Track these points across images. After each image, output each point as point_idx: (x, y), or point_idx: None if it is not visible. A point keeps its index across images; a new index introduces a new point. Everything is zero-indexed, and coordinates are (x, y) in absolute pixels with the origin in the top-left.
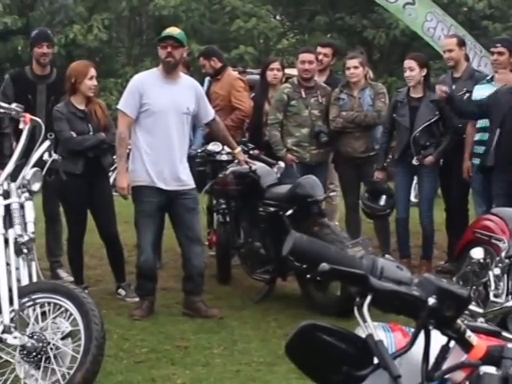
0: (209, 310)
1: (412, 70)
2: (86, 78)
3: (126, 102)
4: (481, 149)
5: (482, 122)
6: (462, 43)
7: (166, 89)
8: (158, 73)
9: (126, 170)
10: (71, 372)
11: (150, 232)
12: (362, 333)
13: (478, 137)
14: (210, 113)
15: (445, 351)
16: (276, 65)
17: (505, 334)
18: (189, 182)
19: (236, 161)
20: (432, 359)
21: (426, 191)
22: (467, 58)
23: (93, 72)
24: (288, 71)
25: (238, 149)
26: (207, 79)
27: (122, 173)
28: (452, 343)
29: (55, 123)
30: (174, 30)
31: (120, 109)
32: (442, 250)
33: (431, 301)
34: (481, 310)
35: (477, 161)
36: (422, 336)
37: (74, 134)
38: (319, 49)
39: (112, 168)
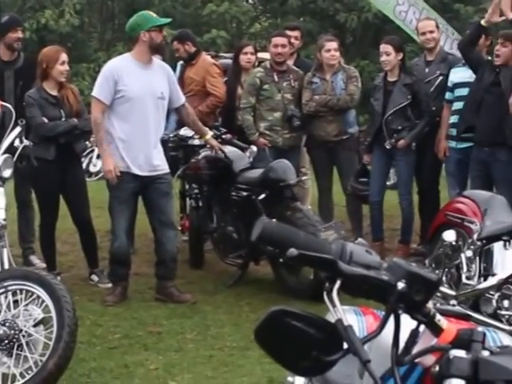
0: (181, 295)
1: (388, 55)
2: (58, 63)
3: (100, 89)
4: (456, 131)
5: (458, 105)
6: (437, 26)
7: (141, 74)
8: (132, 58)
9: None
10: (44, 359)
11: (124, 218)
12: (332, 318)
13: (452, 119)
14: (180, 98)
15: (414, 335)
16: (249, 49)
17: (476, 316)
18: (163, 166)
19: (208, 145)
20: (402, 343)
21: (402, 174)
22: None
23: (64, 57)
24: (261, 55)
25: (209, 134)
26: (180, 64)
27: (106, 156)
28: (422, 327)
29: (27, 109)
30: (154, 15)
31: (95, 96)
32: (415, 232)
33: (400, 285)
34: (453, 293)
35: (451, 143)
36: (391, 320)
37: (46, 120)
38: (288, 32)
39: (85, 154)
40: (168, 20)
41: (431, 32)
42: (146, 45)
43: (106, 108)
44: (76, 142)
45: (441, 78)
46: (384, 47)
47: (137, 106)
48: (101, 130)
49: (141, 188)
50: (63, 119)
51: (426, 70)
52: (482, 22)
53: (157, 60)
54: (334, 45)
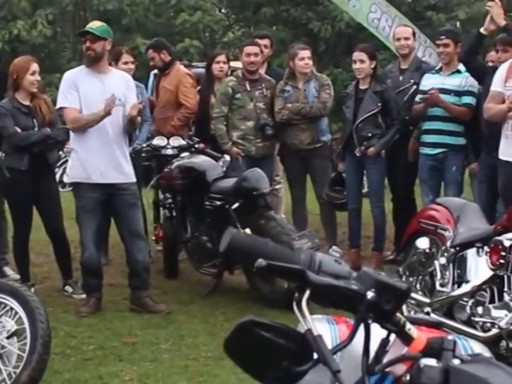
0: (156, 305)
1: (362, 62)
2: (28, 73)
3: (65, 98)
4: (428, 137)
5: (431, 111)
6: (414, 34)
7: (96, 82)
8: (85, 67)
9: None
10: (17, 371)
11: (91, 227)
12: (302, 328)
13: (425, 126)
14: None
15: (385, 344)
16: (222, 58)
17: (450, 323)
18: (127, 175)
19: (182, 154)
20: (372, 353)
21: (373, 182)
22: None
23: (35, 67)
24: (233, 64)
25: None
26: (153, 73)
27: (94, 114)
28: (392, 336)
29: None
30: (93, 25)
31: (62, 106)
32: (390, 240)
33: (370, 294)
34: (427, 300)
35: (424, 150)
36: (361, 330)
37: (19, 130)
38: (258, 41)
39: (58, 164)
40: (83, 29)
41: (406, 39)
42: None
43: (77, 111)
44: (49, 152)
45: (415, 86)
46: (358, 55)
47: (92, 111)
48: (82, 123)
49: (106, 197)
50: (36, 129)
51: (400, 78)
52: (482, 30)
53: (115, 69)
54: (307, 53)
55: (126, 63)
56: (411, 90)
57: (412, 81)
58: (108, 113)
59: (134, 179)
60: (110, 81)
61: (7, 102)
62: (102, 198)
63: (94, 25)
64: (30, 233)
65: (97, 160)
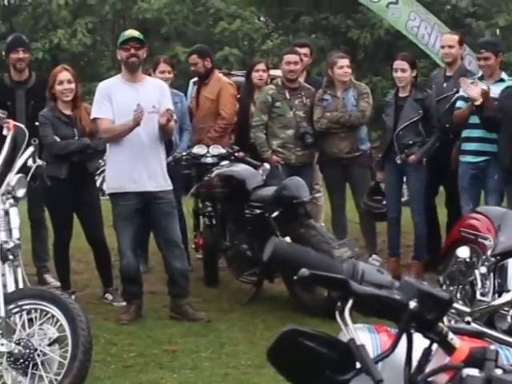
0: (196, 313)
1: (404, 71)
2: (56, 83)
3: (98, 109)
4: (469, 145)
5: (473, 118)
6: (462, 42)
7: (130, 91)
8: (121, 77)
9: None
10: (59, 378)
11: (129, 235)
12: (344, 337)
13: (465, 133)
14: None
15: (427, 354)
16: (261, 66)
17: (490, 333)
18: (162, 183)
19: (222, 163)
20: (415, 362)
21: (413, 190)
22: (462, 58)
23: (62, 76)
24: (272, 72)
25: None
26: (192, 82)
27: (126, 125)
28: (434, 346)
29: (40, 128)
30: (133, 32)
31: (96, 117)
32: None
33: (412, 304)
34: (467, 309)
35: (465, 158)
36: (404, 339)
37: (58, 139)
38: (297, 49)
39: (98, 172)
40: (129, 35)
41: (450, 47)
42: (122, 62)
43: (110, 122)
44: (89, 161)
45: (457, 95)
46: (399, 64)
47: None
48: (115, 134)
49: (143, 205)
50: (76, 138)
51: (444, 84)
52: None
53: (149, 77)
54: (346, 61)
55: (162, 72)
56: (453, 98)
57: (455, 89)
58: (137, 123)
59: (169, 187)
60: (144, 89)
61: (48, 111)
62: (138, 206)
63: (134, 33)
64: (71, 240)
65: (131, 169)
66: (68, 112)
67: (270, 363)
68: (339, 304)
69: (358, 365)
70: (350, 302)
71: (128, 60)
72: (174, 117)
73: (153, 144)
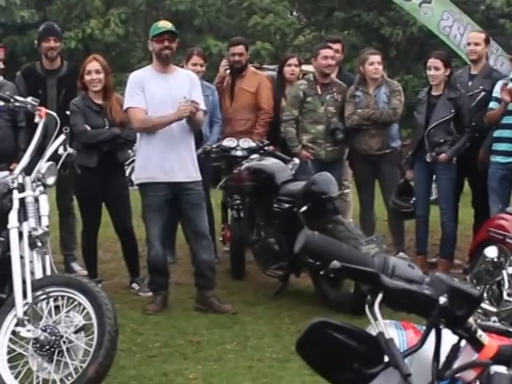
0: (222, 305)
1: (437, 70)
2: (84, 73)
3: (132, 99)
4: (500, 146)
5: (506, 118)
6: (488, 40)
7: (161, 81)
8: (153, 68)
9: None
10: (84, 366)
11: (157, 226)
12: (373, 331)
13: (497, 133)
14: (200, 106)
15: (455, 350)
16: (293, 61)
17: None
18: (194, 174)
19: (251, 156)
20: (443, 358)
21: (442, 189)
22: (487, 57)
23: (90, 66)
24: (304, 68)
25: None
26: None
27: (168, 116)
28: (463, 342)
29: (70, 116)
30: (167, 24)
31: (129, 107)
32: (458, 248)
33: (442, 300)
34: (494, 309)
35: (495, 158)
36: (432, 335)
37: (89, 128)
38: (330, 45)
39: (127, 162)
40: (163, 28)
41: (476, 44)
42: (154, 54)
43: (144, 112)
44: (119, 151)
45: (483, 93)
46: (433, 62)
47: (159, 112)
48: (150, 125)
49: (172, 196)
50: (106, 128)
51: (470, 83)
52: None
53: (180, 68)
54: (377, 58)
55: (194, 64)
56: (479, 96)
57: (481, 87)
58: (180, 118)
59: (199, 179)
60: (175, 80)
61: (79, 100)
62: (167, 197)
63: (168, 24)
64: (99, 230)
65: (161, 159)
66: (99, 101)
67: (299, 354)
68: (369, 298)
69: (387, 359)
70: (380, 296)
71: (161, 52)
72: (203, 107)
73: (184, 135)
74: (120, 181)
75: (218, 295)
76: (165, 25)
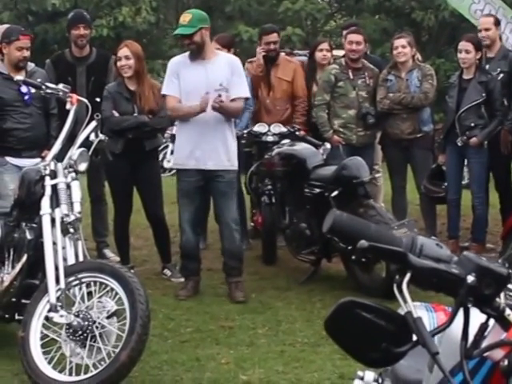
0: (232, 293)
1: (468, 53)
2: (117, 59)
3: (167, 86)
4: None
5: None
6: (498, 23)
7: (197, 67)
8: (191, 54)
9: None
10: (116, 351)
11: (189, 211)
12: (402, 311)
13: None
14: (238, 92)
15: (484, 329)
16: (325, 46)
17: None
18: (225, 162)
19: (282, 141)
20: (471, 337)
21: (474, 172)
22: (500, 38)
23: (121, 53)
24: (335, 53)
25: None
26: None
27: (193, 107)
28: (491, 321)
29: (102, 102)
30: (182, 21)
31: (164, 94)
32: (489, 232)
33: (470, 278)
34: None
35: None
36: (461, 314)
37: (117, 114)
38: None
39: (160, 149)
40: (175, 34)
41: (486, 30)
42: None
43: (176, 100)
44: (146, 139)
45: (501, 75)
46: (464, 45)
47: (192, 99)
48: (180, 114)
49: (204, 182)
50: (135, 115)
51: (487, 66)
52: None
53: (223, 53)
54: (401, 42)
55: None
56: (498, 78)
57: (499, 69)
58: (203, 109)
59: (232, 167)
60: (212, 67)
61: (113, 86)
62: (199, 184)
63: (184, 20)
64: (130, 216)
65: (193, 146)
66: (132, 88)
67: (327, 333)
68: (397, 277)
69: (415, 338)
70: (408, 276)
71: (188, 47)
72: (244, 93)
73: (217, 122)
74: (150, 168)
75: (249, 281)
76: (181, 21)
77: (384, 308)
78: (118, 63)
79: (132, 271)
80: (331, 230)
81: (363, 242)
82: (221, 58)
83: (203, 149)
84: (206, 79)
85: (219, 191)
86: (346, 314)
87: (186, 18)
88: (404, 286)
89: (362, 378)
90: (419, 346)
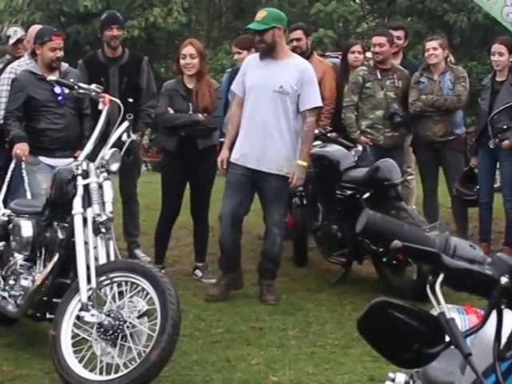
0: (263, 296)
1: (501, 55)
2: (180, 57)
3: (235, 82)
4: None
5: None
6: None
7: (262, 67)
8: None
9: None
10: (147, 350)
11: (232, 204)
12: (435, 312)
13: None
14: (305, 103)
15: None
16: (357, 47)
17: None
18: (272, 166)
19: (314, 143)
20: (504, 339)
21: (506, 175)
22: None
23: (186, 51)
24: (369, 54)
25: (302, 163)
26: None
27: (224, 148)
28: None
29: (159, 98)
30: (257, 17)
31: (231, 89)
32: None
33: (504, 280)
34: None
35: None
36: (494, 315)
37: (171, 111)
38: (392, 32)
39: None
40: (246, 26)
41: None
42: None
43: (241, 100)
44: (200, 138)
45: None
46: (497, 47)
47: (250, 97)
48: (231, 124)
49: (252, 180)
50: (189, 113)
51: None
52: None
53: (297, 57)
54: (432, 44)
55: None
56: None
57: None
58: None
59: (281, 173)
60: (279, 68)
61: (171, 83)
62: (245, 179)
63: (259, 16)
64: (176, 217)
65: (246, 142)
66: (191, 86)
67: (359, 333)
68: (430, 278)
69: (447, 339)
70: (441, 276)
71: (259, 44)
72: (313, 103)
73: (275, 123)
74: (203, 167)
75: (280, 282)
76: (256, 17)
77: (417, 308)
78: (182, 61)
79: (163, 271)
80: (365, 230)
81: (397, 242)
82: (293, 62)
83: (256, 146)
84: (265, 79)
85: (265, 196)
86: (379, 314)
87: (261, 14)
88: (437, 287)
89: (393, 380)
90: (451, 347)
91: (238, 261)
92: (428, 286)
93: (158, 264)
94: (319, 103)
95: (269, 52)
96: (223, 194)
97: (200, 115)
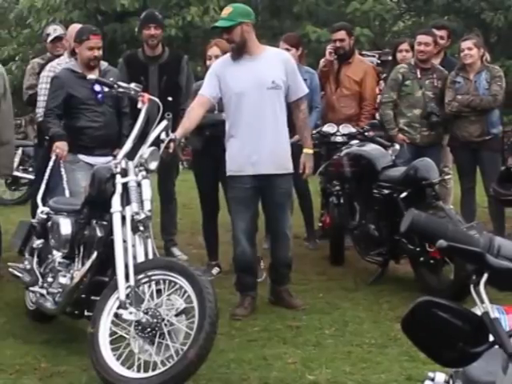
0: (292, 300)
1: None
2: (206, 58)
3: (204, 85)
4: None
5: None
6: None
7: (242, 67)
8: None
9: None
10: (185, 348)
11: (244, 220)
12: (478, 311)
13: None
14: (300, 90)
15: None
16: (404, 46)
17: None
18: (283, 165)
19: (351, 142)
20: None
21: None
22: None
23: (211, 51)
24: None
25: (307, 150)
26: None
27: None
28: None
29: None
30: (223, 14)
31: (199, 93)
32: None
33: None
34: None
35: None
36: None
37: None
38: (435, 31)
39: None
40: (212, 25)
41: None
42: None
43: (206, 101)
44: (224, 137)
45: None
46: None
47: (241, 102)
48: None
49: (260, 187)
50: (215, 112)
51: None
52: None
53: (271, 48)
54: (467, 44)
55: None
56: None
57: None
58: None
59: (288, 171)
60: (261, 63)
61: (201, 84)
62: (255, 191)
63: (225, 13)
64: (218, 214)
65: (248, 149)
66: None
67: (404, 332)
68: (474, 278)
69: (491, 338)
70: (486, 276)
71: (228, 43)
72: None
73: (275, 122)
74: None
75: (316, 282)
76: (222, 14)
77: (461, 308)
78: (208, 62)
79: (216, 270)
80: (410, 229)
81: (442, 242)
82: (270, 54)
83: (260, 151)
84: (254, 77)
85: (275, 202)
86: (423, 313)
87: (226, 11)
88: (481, 287)
89: (432, 379)
90: (492, 347)
91: (257, 277)
92: (471, 286)
93: (211, 261)
94: (306, 90)
95: (241, 50)
96: (231, 210)
97: (224, 115)
